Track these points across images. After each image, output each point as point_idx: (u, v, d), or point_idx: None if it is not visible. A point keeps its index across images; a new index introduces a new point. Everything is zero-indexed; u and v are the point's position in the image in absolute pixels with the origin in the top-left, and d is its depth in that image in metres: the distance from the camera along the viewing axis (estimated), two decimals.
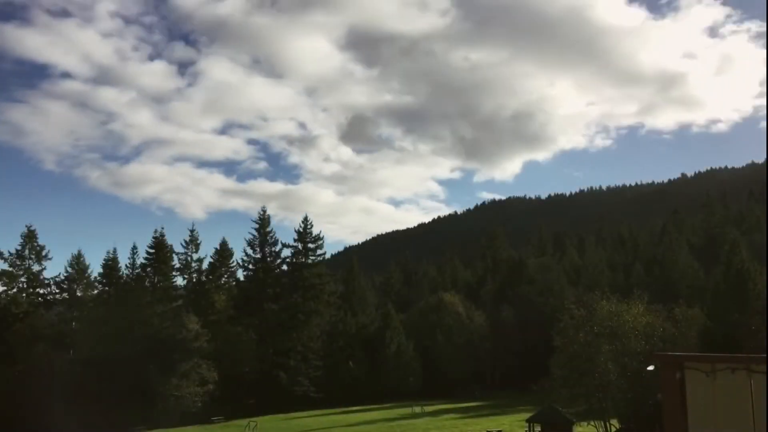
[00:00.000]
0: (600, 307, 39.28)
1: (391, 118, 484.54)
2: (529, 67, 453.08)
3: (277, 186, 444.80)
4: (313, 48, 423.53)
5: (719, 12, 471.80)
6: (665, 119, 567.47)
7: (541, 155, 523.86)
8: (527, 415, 42.35)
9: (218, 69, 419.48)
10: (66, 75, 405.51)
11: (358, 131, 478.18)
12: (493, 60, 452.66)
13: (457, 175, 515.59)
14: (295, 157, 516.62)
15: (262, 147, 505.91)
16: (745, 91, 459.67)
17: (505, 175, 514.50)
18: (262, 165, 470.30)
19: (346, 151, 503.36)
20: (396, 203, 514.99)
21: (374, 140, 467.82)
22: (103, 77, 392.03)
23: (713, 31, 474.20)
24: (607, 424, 38.92)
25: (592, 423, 39.64)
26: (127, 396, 68.49)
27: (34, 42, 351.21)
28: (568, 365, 39.16)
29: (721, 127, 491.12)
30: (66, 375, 68.97)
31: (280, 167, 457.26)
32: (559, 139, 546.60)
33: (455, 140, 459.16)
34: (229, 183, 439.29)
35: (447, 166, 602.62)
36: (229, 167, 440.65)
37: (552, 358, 41.70)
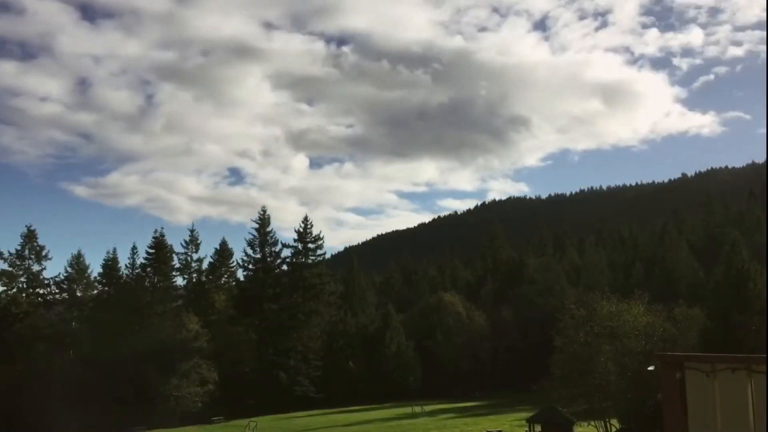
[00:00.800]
0: (600, 307, 39.29)
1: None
2: None
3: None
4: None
5: None
6: None
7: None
8: (527, 415, 42.35)
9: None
10: None
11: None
12: None
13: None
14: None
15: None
16: None
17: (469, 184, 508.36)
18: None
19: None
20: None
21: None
22: None
23: None
24: (607, 424, 38.94)
25: (593, 423, 39.66)
26: (127, 396, 68.54)
27: None
28: (568, 365, 39.17)
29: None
30: (66, 375, 69.03)
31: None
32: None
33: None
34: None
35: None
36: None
37: (552, 358, 41.68)
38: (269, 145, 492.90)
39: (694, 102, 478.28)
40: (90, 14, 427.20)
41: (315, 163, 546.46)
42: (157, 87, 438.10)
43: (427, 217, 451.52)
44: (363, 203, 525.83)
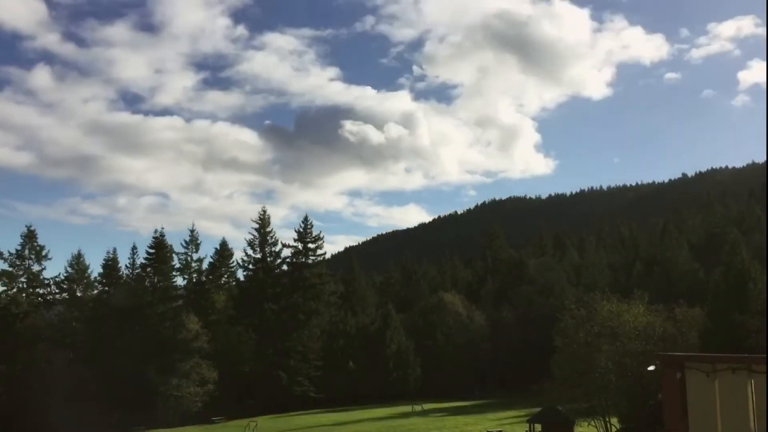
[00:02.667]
0: (600, 307, 39.26)
1: None
2: None
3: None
4: None
5: None
6: None
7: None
8: (527, 415, 42.37)
9: None
10: None
11: None
12: None
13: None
14: None
15: None
16: None
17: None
18: None
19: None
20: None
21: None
22: None
23: None
24: (608, 424, 38.92)
25: (593, 423, 39.64)
26: (127, 396, 68.57)
27: None
28: (568, 365, 39.12)
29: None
30: (66, 375, 69.00)
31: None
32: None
33: None
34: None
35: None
36: None
37: (552, 358, 41.66)
38: None
39: None
40: None
41: None
42: None
43: (426, 217, 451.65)
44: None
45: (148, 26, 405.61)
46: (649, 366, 24.69)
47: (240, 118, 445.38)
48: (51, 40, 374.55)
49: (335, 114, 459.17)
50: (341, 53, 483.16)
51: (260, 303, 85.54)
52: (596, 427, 39.27)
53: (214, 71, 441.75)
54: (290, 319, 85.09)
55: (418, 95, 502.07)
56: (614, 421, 39.41)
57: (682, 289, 79.43)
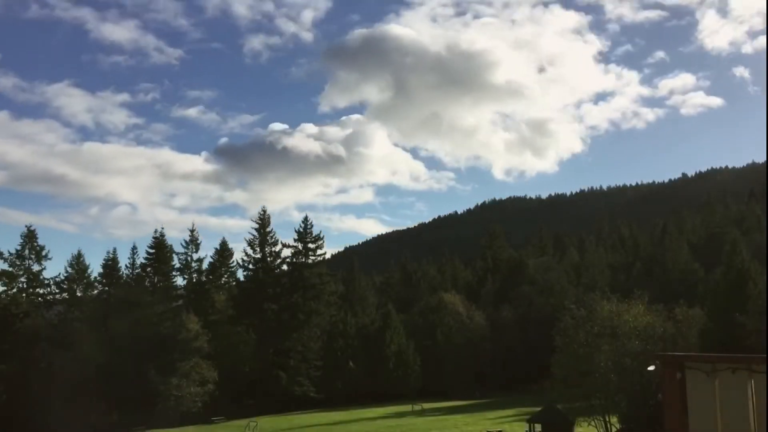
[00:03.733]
0: (600, 307, 39.27)
1: None
2: None
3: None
4: None
5: None
6: None
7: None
8: (527, 415, 42.37)
9: None
10: None
11: None
12: None
13: None
14: None
15: None
16: None
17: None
18: None
19: None
20: None
21: None
22: None
23: None
24: (608, 424, 38.90)
25: (593, 423, 39.63)
26: (127, 396, 68.56)
27: None
28: (568, 365, 39.13)
29: None
30: (66, 375, 68.95)
31: None
32: None
33: None
34: None
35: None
36: None
37: (552, 358, 41.66)
38: None
39: None
40: None
41: None
42: None
43: (426, 217, 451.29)
44: None
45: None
46: (649, 366, 24.73)
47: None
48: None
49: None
50: None
51: (260, 303, 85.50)
52: (596, 427, 39.25)
53: None
54: (290, 319, 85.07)
55: None
56: (614, 420, 39.41)
57: (682, 289, 79.49)
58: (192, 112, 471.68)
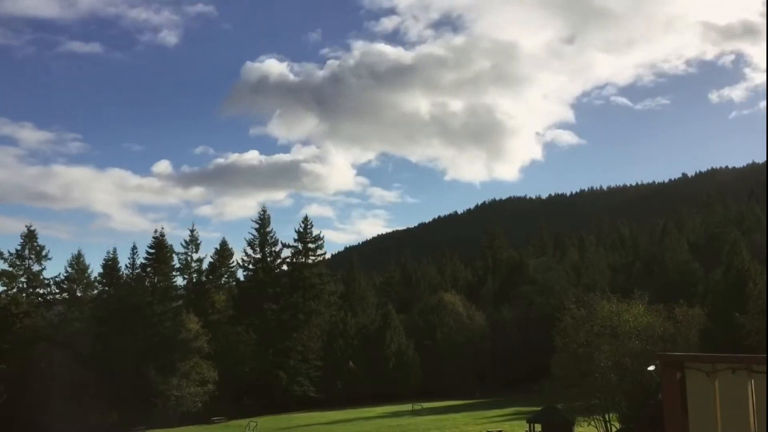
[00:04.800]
0: (600, 307, 39.30)
1: None
2: None
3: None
4: None
5: None
6: None
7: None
8: (527, 415, 42.38)
9: None
10: None
11: None
12: None
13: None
14: None
15: None
16: None
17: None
18: None
19: None
20: None
21: None
22: None
23: None
24: (608, 424, 38.93)
25: (593, 423, 39.66)
26: (127, 396, 68.60)
27: None
28: (568, 365, 39.16)
29: None
30: (66, 375, 68.97)
31: None
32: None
33: None
34: None
35: None
36: None
37: (552, 357, 41.70)
38: None
39: None
40: None
41: None
42: None
43: (426, 217, 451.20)
44: None
45: None
46: (649, 366, 24.72)
47: None
48: None
49: None
50: None
51: (260, 303, 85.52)
52: (596, 427, 39.30)
53: None
54: (290, 319, 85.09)
55: None
56: (614, 420, 39.44)
57: (682, 289, 79.44)
58: None
